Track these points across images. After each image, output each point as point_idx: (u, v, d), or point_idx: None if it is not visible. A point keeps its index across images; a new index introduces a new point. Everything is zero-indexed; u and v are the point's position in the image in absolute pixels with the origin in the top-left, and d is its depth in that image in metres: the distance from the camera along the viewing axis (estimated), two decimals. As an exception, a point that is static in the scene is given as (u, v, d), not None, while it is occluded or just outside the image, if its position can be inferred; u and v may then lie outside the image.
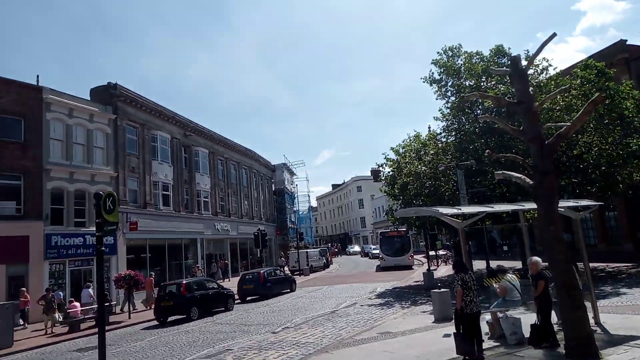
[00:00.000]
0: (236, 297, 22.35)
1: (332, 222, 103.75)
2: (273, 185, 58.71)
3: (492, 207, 11.88)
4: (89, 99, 26.87)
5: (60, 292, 21.04)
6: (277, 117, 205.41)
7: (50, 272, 22.25)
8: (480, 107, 20.98)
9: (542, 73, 20.94)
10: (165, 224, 30.48)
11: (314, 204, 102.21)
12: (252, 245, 36.72)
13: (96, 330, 8.47)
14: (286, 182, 63.37)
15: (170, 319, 18.67)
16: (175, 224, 31.71)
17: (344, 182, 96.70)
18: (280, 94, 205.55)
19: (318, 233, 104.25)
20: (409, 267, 34.44)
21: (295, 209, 69.10)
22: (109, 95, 27.43)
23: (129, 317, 20.18)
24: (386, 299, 18.91)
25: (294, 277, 29.86)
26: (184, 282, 20.06)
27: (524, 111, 8.62)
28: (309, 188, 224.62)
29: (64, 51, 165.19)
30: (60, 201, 23.27)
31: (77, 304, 19.20)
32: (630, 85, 20.33)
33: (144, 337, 15.50)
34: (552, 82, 19.50)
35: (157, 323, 18.51)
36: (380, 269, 36.02)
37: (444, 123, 23.18)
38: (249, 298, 23.76)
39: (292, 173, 68.05)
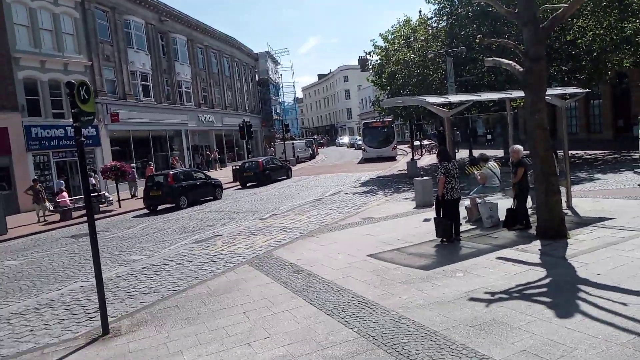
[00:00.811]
0: (224, 186, 22.91)
1: (318, 114, 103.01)
2: (257, 76, 56.85)
3: (480, 96, 11.77)
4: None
5: (62, 182, 21.10)
6: (259, 1, 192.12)
7: (35, 163, 22.18)
8: (475, -12, 19.69)
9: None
10: (147, 115, 29.87)
11: (299, 94, 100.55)
12: (238, 137, 36.60)
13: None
14: (270, 72, 61.26)
15: (159, 208, 19.19)
16: (157, 115, 31.10)
17: (330, 72, 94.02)
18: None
19: (304, 124, 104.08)
20: (392, 159, 34.58)
21: (280, 100, 67.92)
22: (71, -26, 24.92)
23: (120, 206, 20.67)
24: (370, 187, 19.50)
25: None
26: (171, 172, 20.26)
27: (521, -10, 8.07)
28: (294, 78, 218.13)
29: None
30: (34, 92, 22.35)
31: (65, 193, 19.47)
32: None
33: (135, 225, 16.03)
34: (554, -40, 18.13)
35: (148, 212, 19.06)
36: (362, 160, 36.38)
37: (436, 6, 21.93)
38: (248, 184, 25.63)
39: (276, 62, 65.55)
